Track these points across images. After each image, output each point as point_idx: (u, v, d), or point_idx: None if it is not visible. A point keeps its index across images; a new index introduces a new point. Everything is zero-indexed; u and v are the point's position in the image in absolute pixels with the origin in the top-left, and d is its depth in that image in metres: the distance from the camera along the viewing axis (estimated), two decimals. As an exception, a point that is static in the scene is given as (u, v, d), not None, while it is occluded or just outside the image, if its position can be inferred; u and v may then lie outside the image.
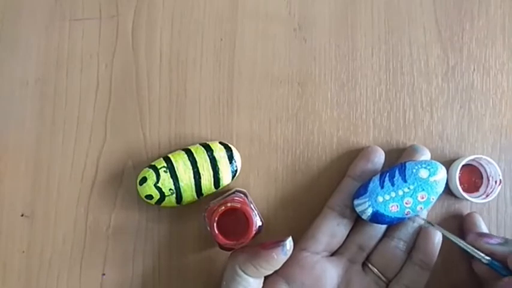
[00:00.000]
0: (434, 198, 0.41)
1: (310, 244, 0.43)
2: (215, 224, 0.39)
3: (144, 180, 0.43)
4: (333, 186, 0.46)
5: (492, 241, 0.41)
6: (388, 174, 0.41)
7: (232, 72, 0.48)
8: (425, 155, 0.45)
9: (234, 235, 0.39)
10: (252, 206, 0.41)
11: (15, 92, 0.47)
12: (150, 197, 0.43)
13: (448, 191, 0.47)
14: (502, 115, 0.48)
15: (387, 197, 0.41)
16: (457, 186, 0.45)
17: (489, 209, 0.47)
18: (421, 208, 0.41)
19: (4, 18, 0.48)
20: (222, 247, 0.42)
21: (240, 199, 0.41)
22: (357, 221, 0.44)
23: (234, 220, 0.39)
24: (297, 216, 0.46)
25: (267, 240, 0.40)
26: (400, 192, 0.40)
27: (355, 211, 0.42)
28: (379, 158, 0.45)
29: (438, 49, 0.49)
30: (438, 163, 0.41)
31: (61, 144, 0.47)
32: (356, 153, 0.47)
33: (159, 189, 0.43)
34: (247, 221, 0.39)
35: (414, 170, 0.40)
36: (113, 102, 0.47)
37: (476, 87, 0.48)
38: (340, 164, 0.47)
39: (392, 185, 0.41)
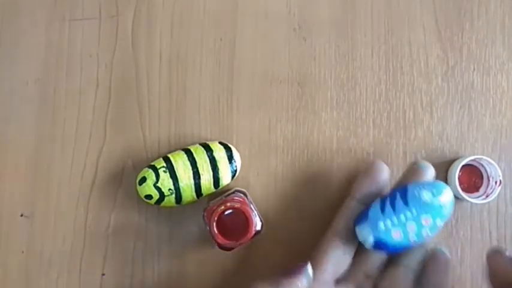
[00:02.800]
0: (440, 222, 0.38)
1: (317, 274, 0.40)
2: (215, 224, 0.39)
3: (143, 180, 0.43)
4: (333, 186, 0.46)
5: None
6: (389, 198, 0.39)
7: (232, 72, 0.48)
8: (429, 174, 0.41)
9: (234, 235, 0.39)
10: (251, 206, 0.41)
11: (15, 92, 0.47)
12: (149, 197, 0.43)
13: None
14: (502, 115, 0.48)
15: (389, 223, 0.38)
16: (457, 187, 0.45)
17: (489, 209, 0.47)
18: (427, 234, 0.38)
19: (4, 18, 0.48)
20: (221, 247, 0.42)
21: (240, 199, 0.41)
22: (362, 246, 0.41)
23: (234, 220, 0.39)
24: (297, 216, 0.46)
25: (283, 268, 0.38)
26: (403, 217, 0.38)
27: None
28: (385, 176, 0.42)
29: (438, 49, 0.49)
30: (443, 183, 0.38)
31: (61, 144, 0.47)
32: (356, 153, 0.47)
33: (159, 189, 0.43)
34: (247, 220, 0.39)
35: (416, 192, 0.38)
36: (113, 102, 0.47)
37: (476, 87, 0.48)
38: (340, 163, 0.47)
39: (394, 209, 0.38)
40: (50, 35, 0.48)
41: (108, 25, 0.48)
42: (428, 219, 0.37)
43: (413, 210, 0.37)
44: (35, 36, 0.48)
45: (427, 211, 0.37)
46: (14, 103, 0.47)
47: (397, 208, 0.38)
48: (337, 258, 0.41)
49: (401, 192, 0.38)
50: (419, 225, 0.37)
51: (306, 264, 0.37)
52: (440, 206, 0.37)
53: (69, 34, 0.48)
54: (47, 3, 0.48)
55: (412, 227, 0.37)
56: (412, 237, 0.38)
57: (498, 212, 0.47)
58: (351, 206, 0.42)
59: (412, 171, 0.42)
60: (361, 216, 0.39)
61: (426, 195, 0.37)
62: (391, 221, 0.38)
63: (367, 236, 0.39)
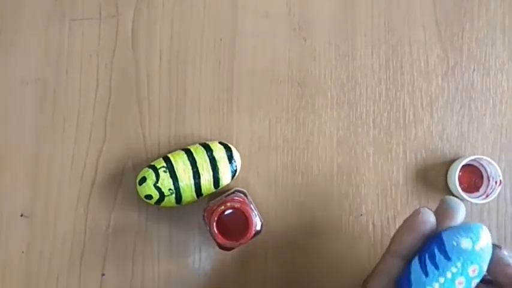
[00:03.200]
0: (485, 266, 0.34)
1: None
2: (215, 224, 0.39)
3: (143, 180, 0.43)
4: (333, 186, 0.46)
5: None
6: (427, 255, 0.34)
7: (232, 72, 0.48)
8: (461, 214, 0.36)
9: (234, 235, 0.39)
10: (251, 205, 0.41)
11: (15, 91, 0.47)
12: (149, 197, 0.43)
13: (448, 191, 0.47)
14: (502, 115, 0.48)
15: (436, 286, 0.33)
16: (457, 187, 0.45)
17: (489, 209, 0.47)
18: (476, 282, 0.34)
19: (4, 18, 0.48)
20: (221, 247, 0.42)
21: (240, 199, 0.41)
22: None
23: (234, 220, 0.39)
24: (297, 216, 0.46)
25: None
26: (449, 275, 0.33)
27: None
28: (429, 227, 0.35)
29: (438, 49, 0.49)
30: (477, 224, 0.34)
31: (61, 144, 0.47)
32: (356, 153, 0.47)
33: (159, 189, 0.43)
34: (246, 220, 0.39)
35: (455, 243, 0.33)
36: (113, 102, 0.47)
37: (476, 87, 0.48)
38: (340, 163, 0.47)
39: (437, 268, 0.34)
40: (50, 34, 0.48)
41: (108, 25, 0.48)
42: (475, 268, 0.34)
43: (458, 264, 0.34)
44: (35, 36, 0.48)
45: (472, 261, 0.33)
46: (14, 103, 0.47)
47: (440, 266, 0.34)
48: None
49: (438, 245, 0.34)
50: (468, 277, 0.34)
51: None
52: (483, 250, 0.34)
53: (69, 34, 0.48)
54: (47, 3, 0.48)
55: (461, 281, 0.34)
56: None
57: (498, 212, 0.47)
58: (391, 263, 0.36)
59: (443, 214, 0.36)
60: (403, 281, 0.35)
61: (466, 243, 0.34)
62: (438, 282, 0.34)
63: None
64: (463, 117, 0.48)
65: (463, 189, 0.45)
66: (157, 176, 0.43)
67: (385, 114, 0.48)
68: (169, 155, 0.44)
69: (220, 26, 0.48)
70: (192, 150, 0.44)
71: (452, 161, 0.47)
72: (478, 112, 0.48)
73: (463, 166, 0.45)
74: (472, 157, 0.45)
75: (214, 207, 0.39)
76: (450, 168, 0.47)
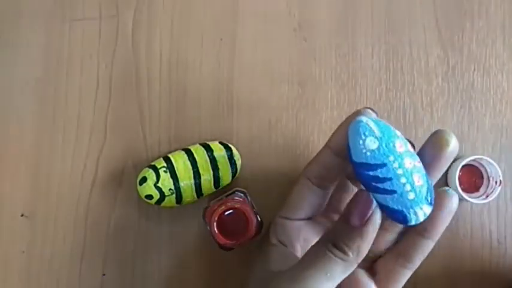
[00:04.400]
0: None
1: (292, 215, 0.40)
2: (215, 224, 0.39)
3: (144, 180, 0.43)
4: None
5: None
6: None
7: (232, 72, 0.48)
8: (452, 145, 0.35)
9: (234, 235, 0.39)
10: (251, 205, 0.41)
11: (16, 91, 0.47)
12: (150, 197, 0.43)
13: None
14: (502, 115, 0.48)
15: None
16: (457, 187, 0.45)
17: (489, 209, 0.47)
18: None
19: (4, 18, 0.48)
20: (222, 247, 0.42)
21: (240, 199, 0.41)
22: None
23: (234, 220, 0.40)
24: (297, 216, 0.46)
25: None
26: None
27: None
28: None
29: (438, 49, 0.49)
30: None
31: (61, 144, 0.47)
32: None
33: (159, 189, 0.43)
34: (247, 220, 0.39)
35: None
36: (113, 102, 0.47)
37: (476, 87, 0.48)
38: (340, 164, 0.47)
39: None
40: (50, 35, 0.48)
41: (108, 25, 0.48)
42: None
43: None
44: (35, 36, 0.48)
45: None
46: (14, 103, 0.47)
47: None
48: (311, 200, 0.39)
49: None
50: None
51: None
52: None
53: (69, 34, 0.48)
54: (47, 3, 0.48)
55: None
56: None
57: (498, 212, 0.47)
58: (324, 153, 0.38)
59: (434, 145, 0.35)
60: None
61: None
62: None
63: None
64: (463, 117, 0.48)
65: (463, 189, 0.45)
66: (158, 176, 0.43)
67: (386, 114, 0.48)
68: (169, 155, 0.44)
69: (220, 26, 0.48)
70: (192, 150, 0.44)
71: (453, 161, 0.47)
72: (478, 112, 0.48)
73: (463, 166, 0.45)
74: (472, 157, 0.45)
75: (215, 207, 0.39)
76: (450, 168, 0.47)
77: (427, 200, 0.32)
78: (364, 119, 0.32)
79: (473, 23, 0.49)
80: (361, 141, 0.31)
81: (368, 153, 0.31)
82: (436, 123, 0.48)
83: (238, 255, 0.46)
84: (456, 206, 0.35)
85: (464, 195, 0.45)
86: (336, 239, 0.33)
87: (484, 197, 0.46)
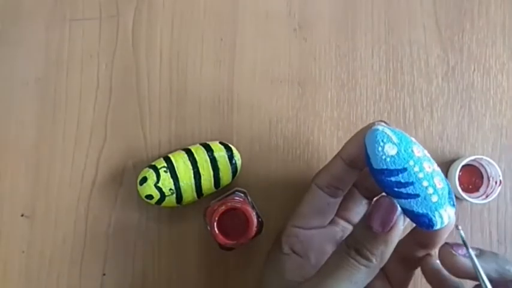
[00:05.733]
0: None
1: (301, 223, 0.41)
2: (215, 224, 0.39)
3: (144, 180, 0.43)
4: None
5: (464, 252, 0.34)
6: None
7: (232, 72, 0.48)
8: None
9: (234, 235, 0.39)
10: (252, 205, 0.41)
11: (16, 91, 0.47)
12: (150, 197, 0.43)
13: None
14: (502, 115, 0.48)
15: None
16: (457, 187, 0.45)
17: (489, 210, 0.47)
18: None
19: (4, 18, 0.48)
20: (222, 247, 0.42)
21: (240, 199, 0.41)
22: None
23: (234, 220, 0.40)
24: (297, 216, 0.46)
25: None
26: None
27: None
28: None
29: (438, 49, 0.49)
30: None
31: (61, 144, 0.47)
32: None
33: (159, 189, 0.43)
34: (247, 220, 0.39)
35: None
36: (113, 102, 0.47)
37: (476, 87, 0.48)
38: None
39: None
40: (50, 35, 0.48)
41: (108, 25, 0.48)
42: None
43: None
44: (35, 36, 0.48)
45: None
46: (14, 103, 0.47)
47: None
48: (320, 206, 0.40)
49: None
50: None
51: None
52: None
53: (69, 34, 0.48)
54: (47, 3, 0.48)
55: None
56: None
57: (498, 212, 0.47)
58: (335, 163, 0.39)
59: None
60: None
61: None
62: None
63: None
64: (463, 117, 0.48)
65: (463, 189, 0.45)
66: (158, 176, 0.43)
67: (386, 114, 0.48)
68: (169, 155, 0.44)
69: (220, 26, 0.48)
70: (192, 150, 0.44)
71: (452, 161, 0.47)
72: (478, 112, 0.48)
73: (463, 166, 0.45)
74: (472, 157, 0.45)
75: (215, 207, 0.39)
76: (450, 169, 0.47)
77: (450, 202, 0.32)
78: (380, 127, 0.32)
79: (473, 23, 0.49)
80: (380, 148, 0.32)
81: (388, 159, 0.31)
82: (435, 123, 0.48)
83: (239, 255, 0.46)
84: (453, 222, 0.34)
85: (464, 195, 0.45)
86: (358, 245, 0.33)
87: (484, 197, 0.46)
